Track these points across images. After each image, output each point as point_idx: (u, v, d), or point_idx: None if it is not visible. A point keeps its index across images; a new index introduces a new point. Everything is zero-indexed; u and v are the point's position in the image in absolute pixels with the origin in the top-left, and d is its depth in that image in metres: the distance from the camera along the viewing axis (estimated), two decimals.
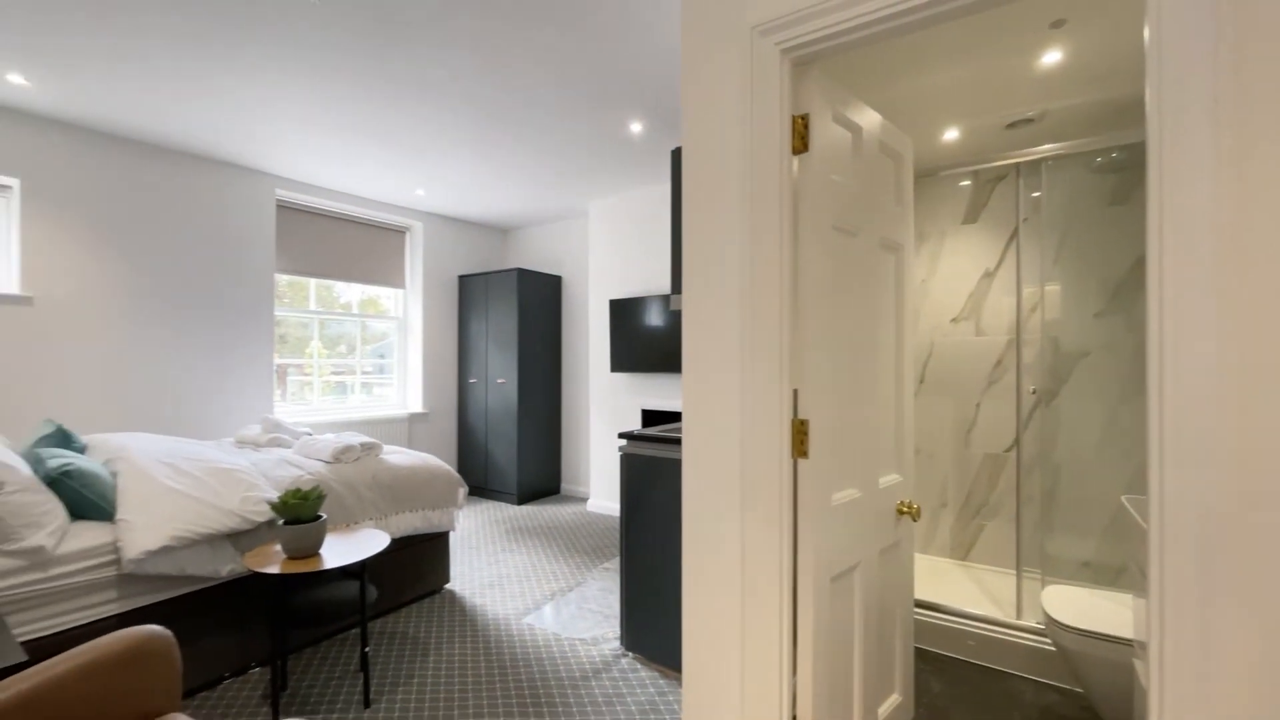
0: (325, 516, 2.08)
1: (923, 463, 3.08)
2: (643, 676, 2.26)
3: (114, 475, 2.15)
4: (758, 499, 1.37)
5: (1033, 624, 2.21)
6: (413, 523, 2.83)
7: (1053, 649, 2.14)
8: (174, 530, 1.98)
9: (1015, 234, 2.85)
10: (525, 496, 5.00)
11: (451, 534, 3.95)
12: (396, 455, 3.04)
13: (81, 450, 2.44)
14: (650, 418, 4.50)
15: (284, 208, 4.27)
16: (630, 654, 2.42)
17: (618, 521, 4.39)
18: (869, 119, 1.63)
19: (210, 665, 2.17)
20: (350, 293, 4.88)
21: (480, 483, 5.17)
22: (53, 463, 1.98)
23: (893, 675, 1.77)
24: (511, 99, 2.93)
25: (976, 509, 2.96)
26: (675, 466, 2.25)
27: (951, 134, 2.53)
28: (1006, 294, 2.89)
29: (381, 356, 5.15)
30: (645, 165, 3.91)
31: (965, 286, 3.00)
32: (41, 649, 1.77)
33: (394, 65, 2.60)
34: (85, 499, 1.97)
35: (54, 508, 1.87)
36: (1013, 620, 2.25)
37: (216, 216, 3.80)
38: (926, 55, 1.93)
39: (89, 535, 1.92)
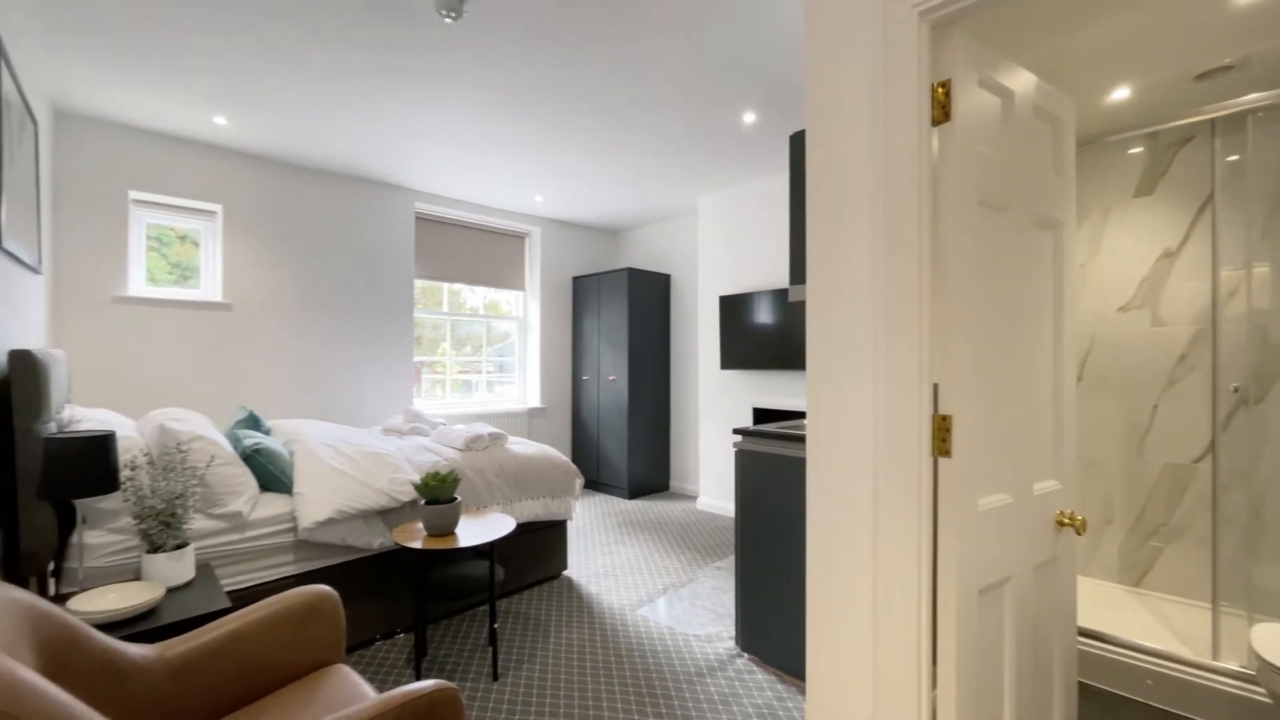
0: (460, 499, 2.25)
1: (1083, 471, 2.71)
2: (759, 679, 2.20)
3: (291, 454, 2.49)
4: (893, 501, 1.28)
5: (1234, 667, 1.86)
6: (534, 509, 2.98)
7: (1265, 699, 1.78)
8: (337, 504, 2.24)
9: (1207, 205, 2.41)
10: (635, 491, 5.09)
11: (569, 523, 4.13)
12: (519, 445, 3.22)
13: (267, 433, 2.86)
14: (762, 416, 4.39)
15: (422, 219, 4.71)
16: (746, 654, 2.37)
17: (728, 520, 4.33)
18: (1021, 81, 1.46)
19: (363, 628, 2.43)
20: (475, 296, 5.27)
21: (593, 476, 5.35)
22: (247, 441, 2.33)
23: (1051, 707, 1.56)
24: (625, 97, 2.99)
25: (1153, 528, 2.54)
26: (795, 465, 2.16)
27: (1121, 93, 2.20)
28: (1194, 277, 2.46)
29: (502, 355, 5.51)
30: (757, 157, 3.81)
31: (1137, 270, 2.59)
32: (238, 598, 2.09)
33: (521, 76, 2.76)
34: (270, 473, 2.30)
35: (248, 479, 2.20)
36: (1208, 661, 1.90)
37: (367, 229, 4.28)
38: (1091, 1, 1.69)
39: (273, 505, 2.23)
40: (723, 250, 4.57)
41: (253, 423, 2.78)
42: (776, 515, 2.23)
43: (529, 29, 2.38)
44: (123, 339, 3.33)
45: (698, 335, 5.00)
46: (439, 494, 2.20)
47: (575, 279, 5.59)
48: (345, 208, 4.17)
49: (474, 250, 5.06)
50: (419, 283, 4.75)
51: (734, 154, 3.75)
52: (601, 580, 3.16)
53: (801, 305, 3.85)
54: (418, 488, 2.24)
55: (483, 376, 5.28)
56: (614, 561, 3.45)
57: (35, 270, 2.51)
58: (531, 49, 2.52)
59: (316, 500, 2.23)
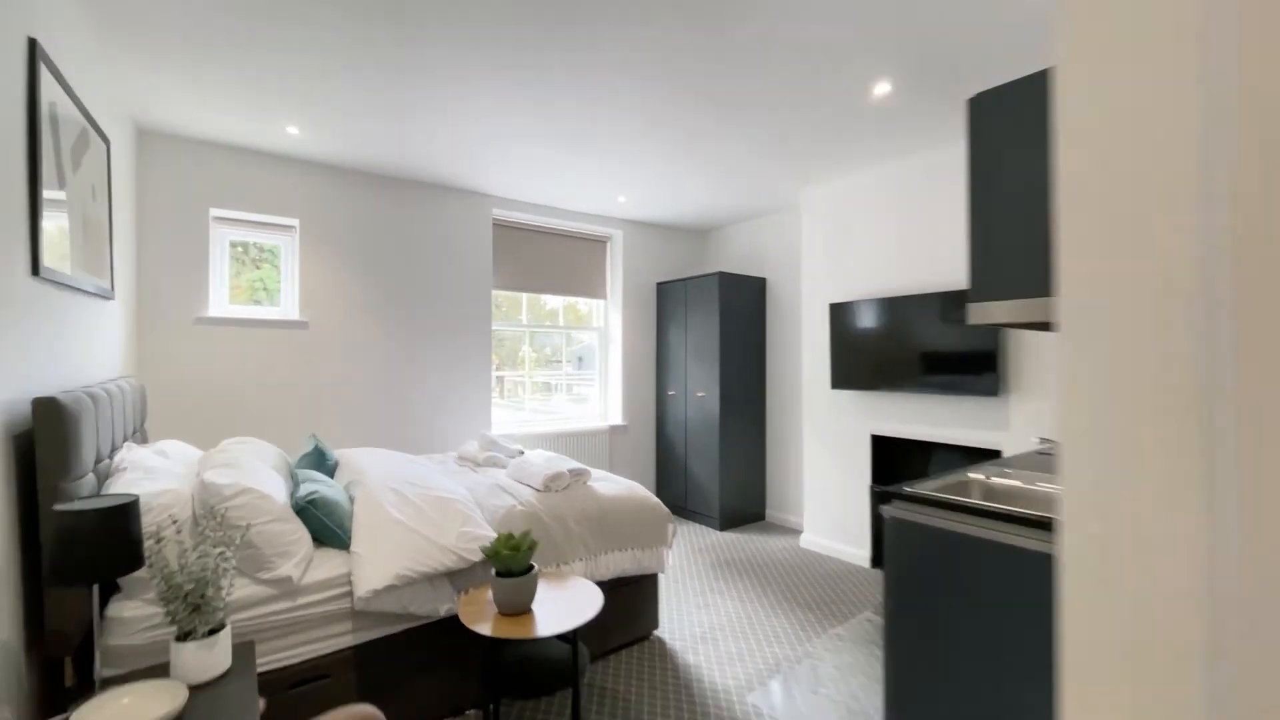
0: (537, 569, 1.85)
1: None
2: None
3: (351, 500, 2.20)
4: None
5: None
6: (621, 564, 2.55)
7: None
8: (398, 569, 1.91)
9: None
10: (728, 522, 4.57)
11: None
12: (603, 484, 2.80)
13: (333, 468, 2.61)
14: (883, 446, 3.73)
15: (499, 226, 4.43)
16: None
17: (840, 565, 3.71)
18: None
19: (430, 704, 2.09)
20: (554, 304, 4.95)
21: (679, 502, 4.88)
22: (303, 489, 2.05)
23: None
24: (734, 81, 2.49)
25: None
26: (983, 551, 1.57)
27: None
28: None
29: (579, 366, 5.16)
30: (885, 137, 3.18)
31: None
32: (286, 676, 1.80)
33: (600, 53, 2.33)
34: (326, 527, 2.00)
35: (301, 536, 1.91)
36: None
37: (443, 238, 4.04)
38: None
39: (329, 564, 1.93)
40: (831, 251, 3.95)
41: (318, 457, 2.54)
42: (950, 610, 1.65)
43: (637, 17, 1.94)
44: (203, 361, 3.24)
45: (801, 348, 4.40)
46: (511, 565, 1.81)
47: (659, 285, 5.14)
48: (420, 216, 3.96)
49: (553, 257, 4.74)
50: (496, 293, 4.49)
51: (851, 136, 3.15)
52: (699, 647, 2.68)
53: (954, 312, 3.18)
54: (488, 553, 1.86)
55: (563, 390, 4.96)
56: (712, 619, 2.96)
57: (105, 296, 2.37)
58: (586, 25, 2.09)
59: (375, 563, 1.90)
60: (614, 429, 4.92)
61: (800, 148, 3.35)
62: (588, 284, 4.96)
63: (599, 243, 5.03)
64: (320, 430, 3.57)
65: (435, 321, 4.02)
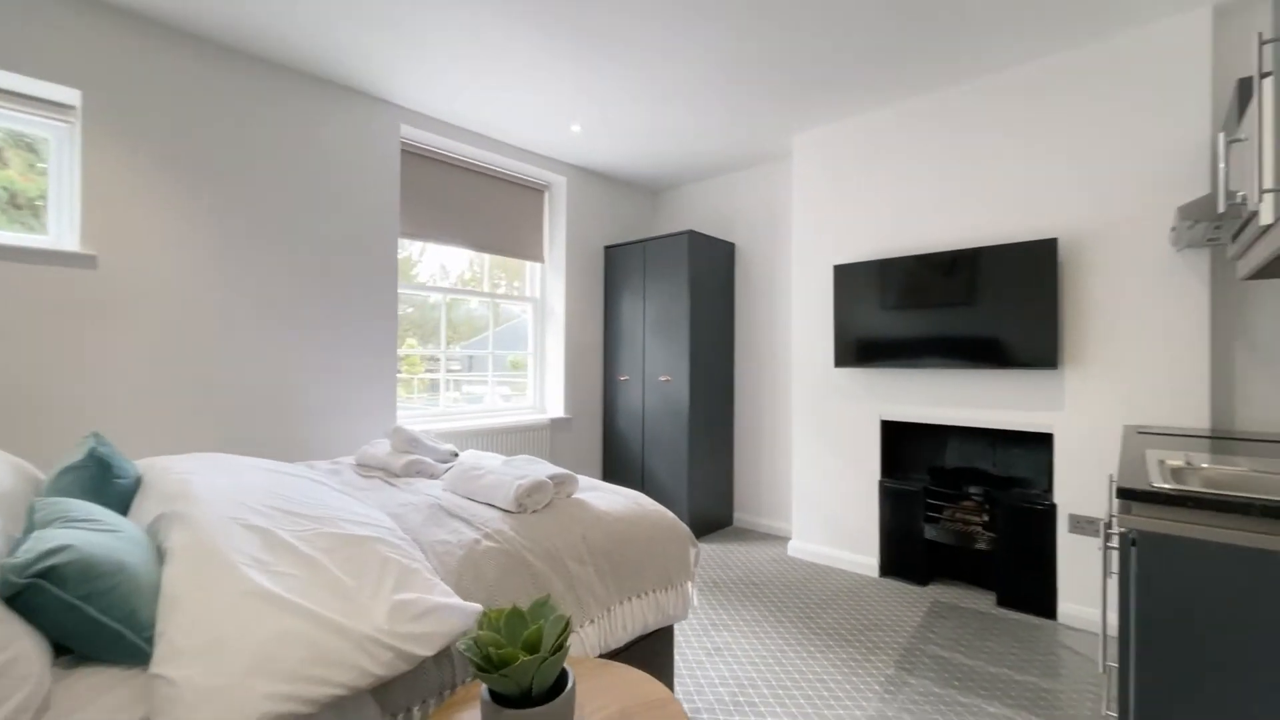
0: (572, 680, 0.93)
1: None
2: None
3: (161, 556, 1.12)
4: None
5: None
6: (643, 616, 1.68)
7: None
8: (269, 699, 0.90)
9: None
10: (700, 530, 3.82)
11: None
12: (596, 495, 1.91)
13: (127, 493, 1.46)
14: (895, 433, 3.18)
15: (411, 153, 3.31)
16: None
17: (844, 576, 3.09)
18: None
19: None
20: (456, 263, 3.89)
21: None
22: (32, 542, 0.94)
23: None
24: None
25: None
26: None
27: None
28: None
29: (512, 347, 4.14)
30: (906, 63, 2.59)
31: None
32: None
33: None
34: (90, 623, 0.93)
35: (16, 652, 0.84)
36: None
37: (329, 156, 2.87)
38: None
39: (93, 711, 0.87)
40: (834, 203, 3.34)
41: (97, 472, 1.39)
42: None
43: None
44: None
45: (790, 321, 3.76)
46: (526, 680, 0.87)
47: (609, 249, 4.27)
48: (291, 117, 2.76)
49: (479, 203, 3.69)
50: (406, 247, 3.36)
51: (860, 64, 2.53)
52: (734, 718, 1.88)
53: (998, 270, 2.64)
54: (475, 660, 0.91)
55: (490, 374, 3.91)
56: (734, 669, 2.17)
57: None
58: None
59: (214, 692, 0.88)
60: (556, 423, 3.97)
61: (790, 84, 2.68)
62: (522, 242, 3.96)
63: (536, 191, 4.05)
64: (111, 427, 2.28)
65: (316, 272, 2.83)
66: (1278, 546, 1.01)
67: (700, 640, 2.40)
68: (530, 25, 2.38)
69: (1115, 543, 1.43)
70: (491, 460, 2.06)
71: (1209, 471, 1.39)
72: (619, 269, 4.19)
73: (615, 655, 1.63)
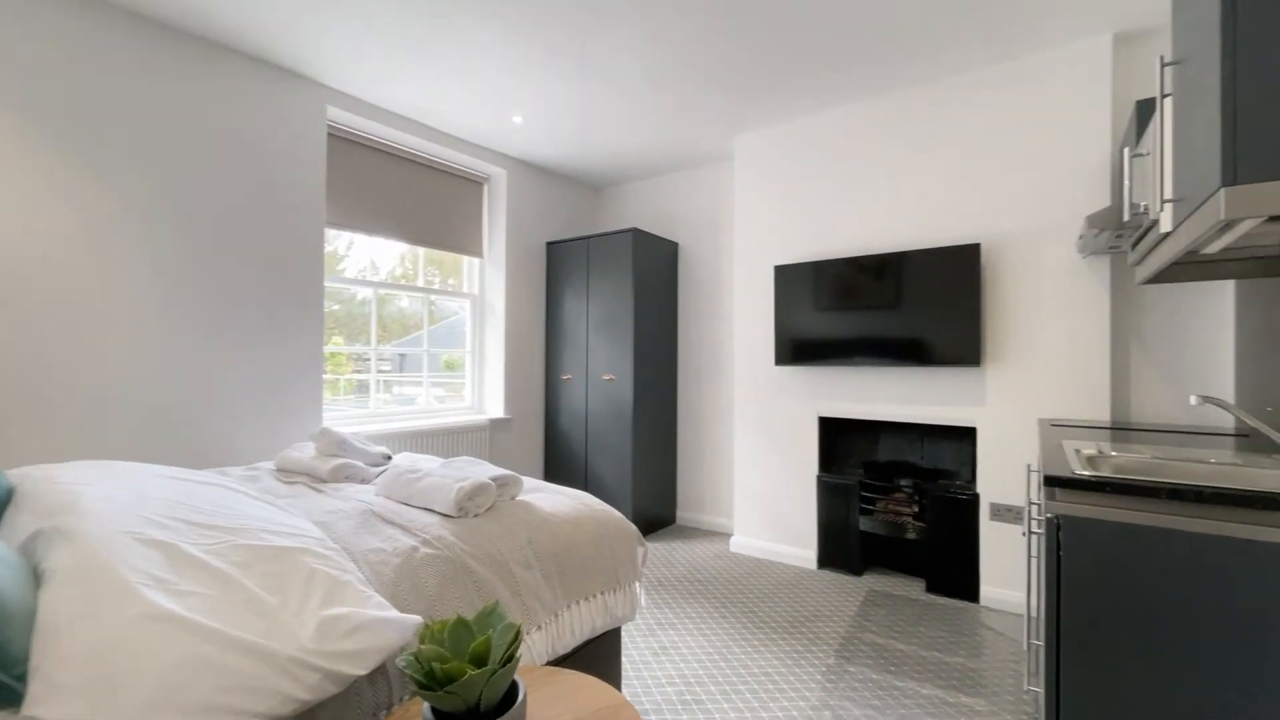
0: (523, 694, 0.87)
1: None
2: None
3: (39, 573, 0.97)
4: None
5: None
6: (591, 620, 1.63)
7: None
8: None
9: None
10: (644, 529, 3.80)
11: None
12: (541, 496, 1.85)
13: (3, 498, 1.27)
14: (833, 429, 3.28)
15: (339, 137, 3.10)
16: None
17: (783, 568, 3.17)
18: None
19: None
20: (387, 258, 3.71)
21: None
22: None
23: None
24: None
25: None
26: (1209, 551, 1.02)
27: None
28: None
29: (448, 346, 3.98)
30: (845, 69, 2.69)
31: None
32: None
33: None
34: None
35: None
36: None
37: (245, 138, 2.64)
38: None
39: None
40: (775, 206, 3.41)
41: None
42: (1183, 642, 1.08)
43: None
44: None
45: (732, 321, 3.81)
46: (474, 696, 0.81)
47: (550, 245, 4.18)
48: (203, 92, 2.52)
49: (414, 194, 3.51)
50: (333, 238, 3.15)
51: (796, 71, 2.60)
52: (683, 717, 1.87)
53: (926, 273, 2.77)
54: (416, 677, 0.83)
55: (425, 374, 3.73)
56: (680, 668, 2.16)
57: None
58: None
59: None
60: (495, 423, 3.84)
61: (738, 83, 2.72)
62: (460, 236, 3.81)
63: (475, 183, 3.91)
64: None
65: (232, 262, 2.59)
66: (1182, 526, 1.10)
67: (646, 640, 2.38)
68: (464, 7, 2.27)
69: (1040, 528, 1.52)
70: (429, 462, 1.95)
71: (1118, 459, 1.50)
72: (562, 266, 4.11)
73: (562, 661, 1.57)
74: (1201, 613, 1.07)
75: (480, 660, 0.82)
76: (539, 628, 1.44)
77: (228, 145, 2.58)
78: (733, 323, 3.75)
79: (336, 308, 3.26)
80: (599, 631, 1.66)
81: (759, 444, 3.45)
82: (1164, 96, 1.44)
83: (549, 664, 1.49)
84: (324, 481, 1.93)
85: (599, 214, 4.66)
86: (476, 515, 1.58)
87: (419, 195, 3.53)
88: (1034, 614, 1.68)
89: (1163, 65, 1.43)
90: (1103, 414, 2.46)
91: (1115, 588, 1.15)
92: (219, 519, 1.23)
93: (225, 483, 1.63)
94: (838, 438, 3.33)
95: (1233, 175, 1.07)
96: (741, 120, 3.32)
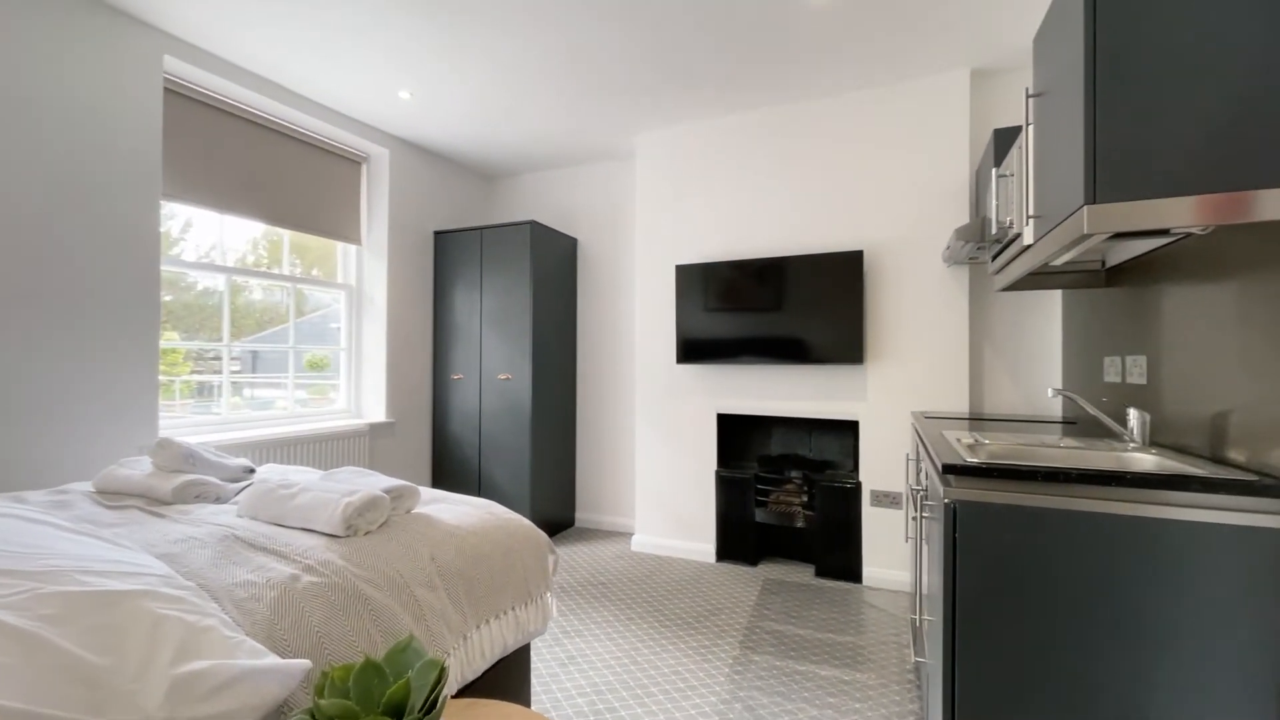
0: None
1: None
2: None
3: None
4: None
5: None
6: (503, 638, 1.50)
7: None
8: None
9: None
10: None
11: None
12: (442, 507, 1.68)
13: None
14: (730, 425, 3.38)
15: (178, 94, 2.63)
16: None
17: (686, 564, 3.22)
18: None
19: None
20: (235, 244, 3.26)
21: None
22: None
23: None
24: None
25: None
26: (1094, 527, 1.17)
27: None
28: None
29: (322, 342, 3.56)
30: (747, 79, 2.78)
31: None
32: None
33: None
34: None
35: None
36: None
37: (51, 85, 2.13)
38: None
39: None
40: (676, 207, 3.44)
41: None
42: (1058, 607, 1.22)
43: None
44: None
45: (634, 319, 3.79)
46: None
47: (439, 235, 3.89)
48: (12, 43, 2.00)
49: (278, 168, 3.08)
50: (171, 209, 2.65)
51: (695, 75, 2.67)
52: None
53: (815, 277, 2.94)
54: None
55: (290, 376, 3.29)
56: (590, 677, 2.09)
57: None
58: None
59: None
60: (376, 428, 3.49)
61: (646, 81, 2.72)
62: (333, 219, 3.41)
63: (353, 163, 3.52)
64: None
65: (31, 238, 2.08)
66: (1055, 505, 1.23)
67: (553, 651, 2.28)
68: None
69: (929, 512, 1.65)
70: (304, 475, 1.70)
71: (991, 446, 1.67)
72: (452, 257, 3.84)
73: (470, 687, 1.43)
74: (1072, 577, 1.21)
75: (397, 711, 0.69)
76: (447, 655, 1.29)
77: (32, 98, 2.06)
78: (634, 321, 3.74)
79: (168, 298, 2.76)
80: (510, 650, 1.54)
81: (660, 442, 3.47)
82: (1028, 124, 1.63)
83: (458, 694, 1.35)
84: (166, 504, 1.60)
85: (493, 205, 4.43)
86: (368, 533, 1.39)
87: (285, 171, 3.11)
88: (921, 591, 1.83)
89: (1027, 96, 1.61)
90: (963, 406, 2.77)
91: (1003, 563, 1.26)
92: (17, 561, 0.95)
93: (21, 512, 1.29)
94: (735, 434, 3.44)
95: (1093, 195, 1.22)
96: (643, 119, 3.31)
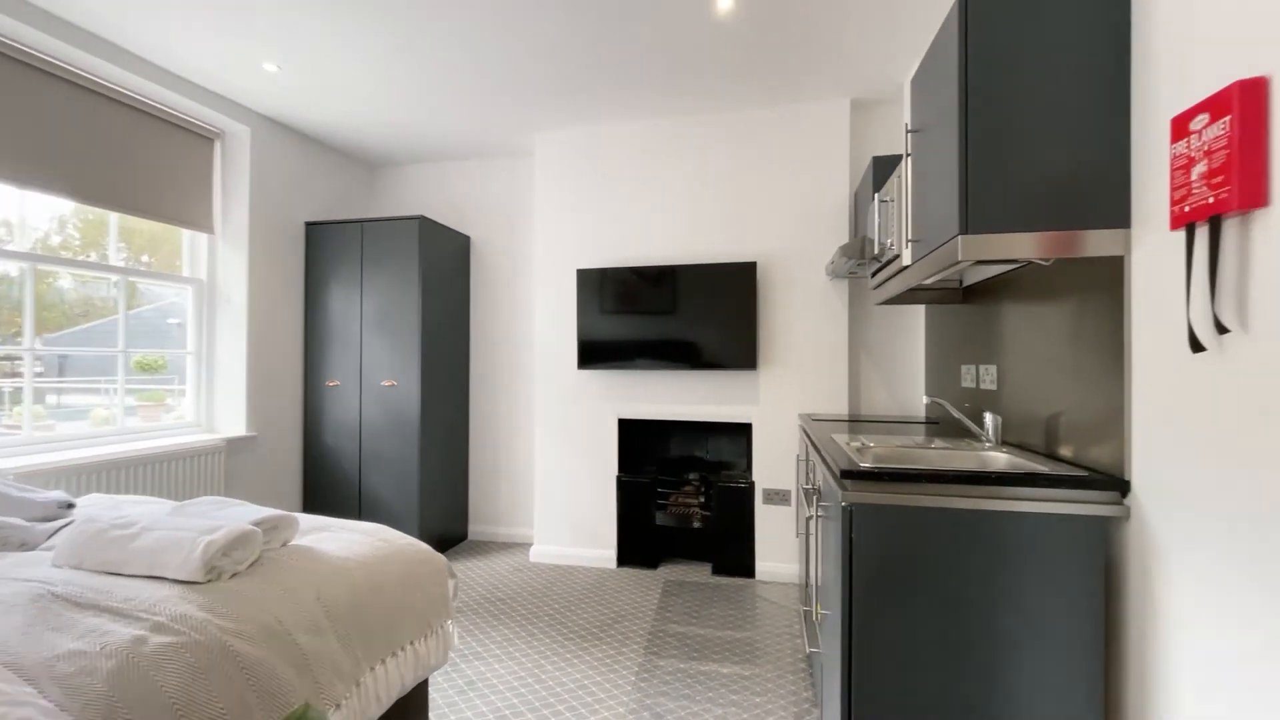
0: None
1: None
2: None
3: None
4: None
5: None
6: (400, 677, 1.37)
7: None
8: None
9: None
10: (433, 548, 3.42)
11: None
12: (326, 537, 1.50)
13: None
14: (631, 430, 3.39)
15: None
16: None
17: (586, 572, 3.18)
18: None
19: None
20: (36, 220, 2.74)
21: None
22: None
23: None
24: None
25: None
26: (972, 524, 1.32)
27: None
28: None
29: (160, 345, 3.06)
30: (639, 88, 2.82)
31: None
32: None
33: None
34: None
35: None
36: None
37: None
38: None
39: None
40: (577, 209, 3.39)
41: None
42: (941, 601, 1.36)
43: None
44: None
45: (532, 323, 3.67)
46: None
47: (311, 226, 3.51)
48: None
49: (101, 138, 2.58)
50: None
51: (600, 78, 2.68)
52: None
53: (712, 285, 3.03)
54: None
55: (119, 382, 2.78)
56: (493, 701, 1.99)
57: None
58: None
59: None
60: (234, 443, 3.06)
61: (553, 74, 2.67)
62: (177, 203, 2.94)
63: (203, 139, 3.06)
64: None
65: None
66: (935, 504, 1.37)
67: (450, 679, 2.14)
68: None
69: (824, 511, 1.77)
70: (147, 509, 1.44)
71: (877, 449, 1.83)
72: (327, 252, 3.48)
73: None
74: (950, 567, 1.35)
75: None
76: (338, 706, 1.15)
77: None
78: (534, 323, 3.63)
79: None
80: (409, 688, 1.41)
81: (561, 448, 3.40)
82: (907, 155, 1.80)
83: None
84: None
85: (374, 196, 4.08)
86: (236, 575, 1.20)
87: (114, 144, 2.62)
88: (815, 584, 1.96)
89: (907, 131, 1.78)
90: (842, 408, 3.01)
91: (894, 559, 1.38)
92: None
93: None
94: (634, 438, 3.46)
95: (965, 226, 1.37)
96: (543, 117, 3.22)
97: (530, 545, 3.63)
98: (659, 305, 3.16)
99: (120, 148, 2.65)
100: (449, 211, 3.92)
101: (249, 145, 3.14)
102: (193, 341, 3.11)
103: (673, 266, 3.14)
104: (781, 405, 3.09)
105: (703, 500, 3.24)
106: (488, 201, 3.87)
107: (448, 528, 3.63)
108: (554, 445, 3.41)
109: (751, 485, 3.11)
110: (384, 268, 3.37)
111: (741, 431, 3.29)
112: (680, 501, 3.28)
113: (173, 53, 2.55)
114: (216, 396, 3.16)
